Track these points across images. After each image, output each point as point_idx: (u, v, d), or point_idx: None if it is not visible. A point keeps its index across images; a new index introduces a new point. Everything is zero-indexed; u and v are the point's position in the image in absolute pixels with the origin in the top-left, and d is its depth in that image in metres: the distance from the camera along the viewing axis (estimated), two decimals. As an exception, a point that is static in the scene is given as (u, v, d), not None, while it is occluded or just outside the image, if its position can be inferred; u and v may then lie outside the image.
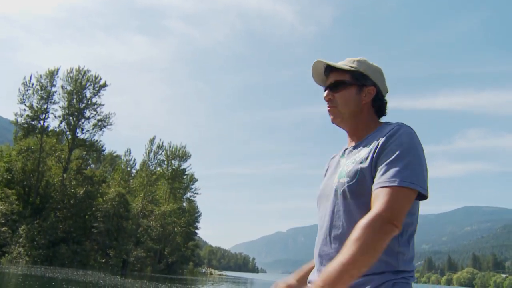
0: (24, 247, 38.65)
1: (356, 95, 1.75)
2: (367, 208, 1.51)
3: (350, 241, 1.43)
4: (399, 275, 1.55)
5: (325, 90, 1.82)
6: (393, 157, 1.54)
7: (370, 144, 1.65)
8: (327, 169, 1.89)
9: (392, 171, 1.51)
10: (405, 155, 1.54)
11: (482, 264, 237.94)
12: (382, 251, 1.44)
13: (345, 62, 1.79)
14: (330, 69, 1.81)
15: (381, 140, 1.60)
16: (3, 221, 38.46)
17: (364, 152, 1.64)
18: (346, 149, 1.79)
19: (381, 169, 1.54)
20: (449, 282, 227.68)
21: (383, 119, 1.82)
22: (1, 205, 38.68)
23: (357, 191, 1.58)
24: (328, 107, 1.79)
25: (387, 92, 1.83)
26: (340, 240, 1.58)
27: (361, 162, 1.61)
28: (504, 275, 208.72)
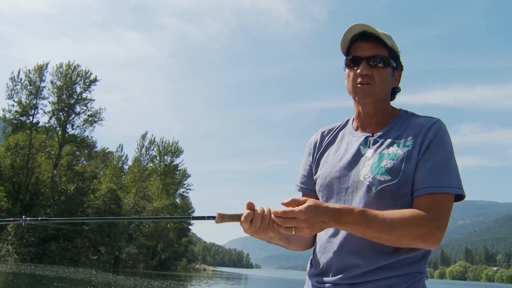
0: (13, 245, 38.21)
1: (390, 77, 1.62)
2: None
3: (390, 213, 1.39)
4: (423, 274, 1.52)
5: (355, 62, 1.60)
6: (439, 159, 1.46)
7: (406, 138, 1.53)
8: (324, 145, 1.74)
9: (441, 174, 1.45)
10: (450, 158, 1.48)
11: (474, 258, 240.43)
12: (397, 245, 1.42)
13: (382, 32, 1.58)
14: (365, 37, 1.59)
15: (423, 137, 1.50)
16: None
17: (402, 147, 1.52)
18: (368, 136, 1.62)
19: (427, 170, 1.46)
20: (442, 276, 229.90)
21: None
22: (-11, 203, 38.13)
23: (397, 192, 1.47)
24: (362, 82, 1.58)
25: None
26: (368, 244, 1.47)
27: (404, 161, 1.49)
28: (495, 268, 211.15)
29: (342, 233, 1.53)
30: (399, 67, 1.65)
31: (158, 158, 62.31)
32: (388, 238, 1.39)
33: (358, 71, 1.58)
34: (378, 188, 1.49)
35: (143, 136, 60.46)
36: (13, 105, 43.87)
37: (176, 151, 63.41)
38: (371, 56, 1.58)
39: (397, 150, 1.52)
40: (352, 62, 1.61)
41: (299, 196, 1.64)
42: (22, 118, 44.42)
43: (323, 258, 1.58)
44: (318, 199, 1.66)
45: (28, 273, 25.61)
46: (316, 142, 1.77)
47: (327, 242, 1.58)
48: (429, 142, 1.49)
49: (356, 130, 1.68)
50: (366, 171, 1.53)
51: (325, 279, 1.55)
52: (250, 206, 1.43)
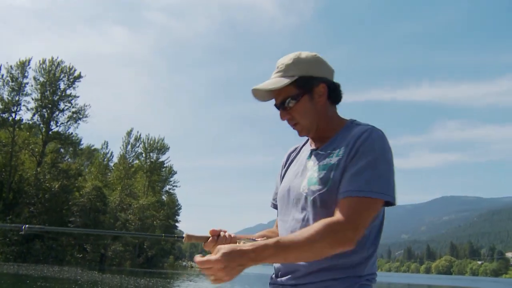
0: (-5, 244, 37.68)
1: (310, 102, 1.65)
2: None
3: (302, 232, 1.43)
4: (363, 278, 1.55)
5: (277, 109, 1.70)
6: (364, 163, 1.50)
7: (340, 148, 1.59)
8: (287, 164, 1.84)
9: (363, 179, 1.48)
10: (377, 162, 1.50)
11: (459, 252, 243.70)
12: (321, 258, 1.46)
13: (280, 73, 1.65)
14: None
15: (352, 145, 1.55)
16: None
17: (334, 157, 1.58)
18: (313, 150, 1.71)
19: (350, 175, 1.50)
20: (428, 270, 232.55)
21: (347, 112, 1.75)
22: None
23: (328, 200, 1.53)
24: (290, 125, 1.70)
25: (333, 71, 1.72)
26: None
27: (333, 170, 1.55)
28: (479, 262, 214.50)
29: None
30: (316, 83, 1.65)
31: (144, 155, 61.87)
32: (311, 255, 1.45)
33: (280, 117, 1.70)
34: (311, 198, 1.57)
35: (129, 133, 59.91)
36: (-5, 102, 43.25)
37: (162, 148, 63.03)
38: (281, 102, 1.66)
39: (330, 161, 1.59)
40: (277, 108, 1.70)
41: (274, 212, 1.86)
42: (4, 115, 43.84)
43: (278, 263, 1.68)
44: None
45: (11, 273, 25.31)
46: (284, 162, 1.88)
47: None
48: (356, 149, 1.53)
49: (310, 145, 1.76)
50: (304, 183, 1.62)
51: (276, 279, 1.68)
52: (214, 233, 1.66)
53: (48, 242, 41.09)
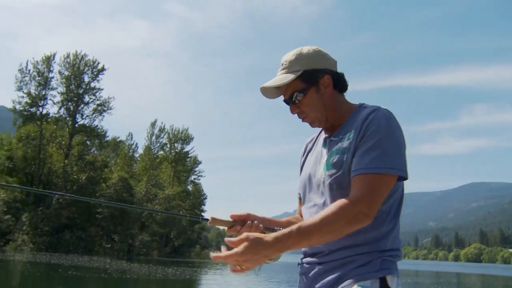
0: (28, 235, 38.64)
1: (316, 94, 1.72)
2: None
3: (320, 215, 1.50)
4: (386, 253, 1.61)
5: (286, 104, 1.78)
6: (371, 142, 1.57)
7: (350, 132, 1.66)
8: (305, 154, 1.92)
9: (371, 157, 1.55)
10: (384, 140, 1.56)
11: (489, 240, 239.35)
12: (343, 236, 1.52)
13: (286, 70, 1.74)
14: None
15: (360, 127, 1.62)
16: (5, 209, 38.27)
17: (346, 141, 1.65)
18: (326, 137, 1.77)
19: (359, 155, 1.57)
20: (456, 258, 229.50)
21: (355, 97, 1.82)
22: (3, 193, 38.46)
23: (344, 182, 1.60)
24: (301, 118, 1.77)
25: (336, 62, 1.78)
26: None
27: (345, 153, 1.62)
28: (511, 250, 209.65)
29: None
30: (320, 75, 1.72)
31: (168, 145, 62.16)
32: (332, 235, 1.51)
33: (290, 111, 1.78)
34: (328, 182, 1.64)
35: (153, 124, 60.24)
36: (23, 97, 44.18)
37: (186, 138, 63.19)
38: (289, 97, 1.74)
39: (342, 145, 1.66)
40: (286, 104, 1.79)
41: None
42: (32, 109, 44.65)
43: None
44: None
45: (44, 262, 25.88)
46: (302, 152, 1.96)
47: None
48: (365, 130, 1.60)
49: (325, 134, 1.82)
50: (321, 169, 1.70)
51: (303, 260, 1.75)
52: (234, 217, 1.76)
53: (77, 233, 41.86)
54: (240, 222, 1.76)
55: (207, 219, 1.74)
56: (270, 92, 1.80)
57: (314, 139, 1.93)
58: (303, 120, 1.78)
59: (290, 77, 1.70)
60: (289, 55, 1.76)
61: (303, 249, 1.74)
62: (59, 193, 1.78)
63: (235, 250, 1.44)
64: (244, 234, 1.47)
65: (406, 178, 1.61)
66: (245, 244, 1.43)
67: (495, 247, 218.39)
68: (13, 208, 39.62)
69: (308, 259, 1.72)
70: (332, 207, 1.51)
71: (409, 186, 1.69)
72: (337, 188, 1.62)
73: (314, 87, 1.72)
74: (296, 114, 1.78)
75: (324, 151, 1.75)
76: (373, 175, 1.53)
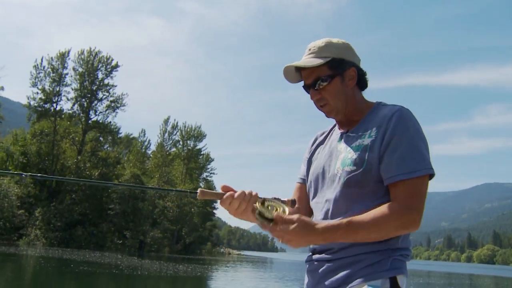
0: (40, 230, 38.99)
1: (341, 84, 1.71)
2: (370, 199, 1.59)
3: (370, 214, 1.52)
4: (396, 252, 1.60)
5: (306, 89, 1.75)
6: (405, 144, 1.56)
7: (371, 129, 1.65)
8: (316, 145, 1.89)
9: (410, 160, 1.54)
10: (415, 141, 1.57)
11: (503, 241, 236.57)
12: (387, 238, 1.54)
13: (313, 55, 1.71)
14: (303, 67, 1.72)
15: (385, 126, 1.60)
16: (19, 204, 38.65)
17: (367, 138, 1.63)
18: (343, 132, 1.76)
19: (396, 158, 1.56)
20: (469, 259, 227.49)
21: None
22: (17, 189, 38.84)
23: (362, 180, 1.59)
24: (320, 106, 1.74)
25: (360, 60, 1.78)
26: None
27: (367, 151, 1.61)
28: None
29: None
30: (347, 67, 1.71)
31: (181, 142, 62.31)
32: (378, 236, 1.52)
33: (310, 98, 1.74)
34: (345, 178, 1.62)
35: (166, 121, 60.48)
36: (37, 93, 44.49)
37: (199, 136, 63.27)
38: (312, 82, 1.71)
39: (362, 142, 1.64)
40: (305, 90, 1.77)
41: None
42: (46, 106, 44.98)
43: None
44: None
45: (56, 257, 26.07)
46: (310, 144, 1.94)
47: None
48: (393, 130, 1.58)
49: (339, 129, 1.81)
50: (338, 164, 1.67)
51: (311, 257, 1.73)
52: (225, 189, 1.63)
53: (89, 229, 42.12)
54: (232, 193, 1.60)
55: (196, 192, 1.62)
56: (292, 75, 1.78)
57: (326, 133, 1.92)
58: (320, 108, 1.75)
59: (319, 61, 1.69)
60: (318, 42, 1.74)
61: (311, 246, 1.73)
62: (27, 174, 1.77)
63: (285, 227, 1.48)
64: (297, 215, 1.50)
65: (433, 176, 1.62)
66: (296, 224, 1.48)
67: (508, 248, 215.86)
68: (26, 203, 39.99)
69: (317, 256, 1.71)
70: (384, 209, 1.52)
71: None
72: (354, 185, 1.61)
73: (340, 77, 1.71)
74: (314, 102, 1.76)
75: (341, 146, 1.73)
76: (417, 179, 1.54)
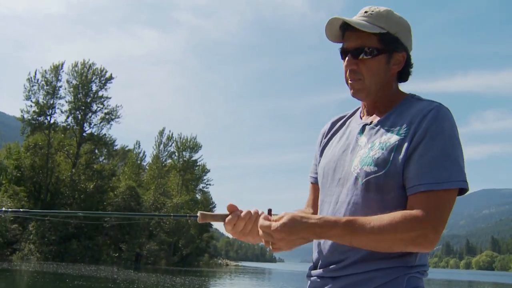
0: (34, 244, 38.57)
1: (385, 64, 1.47)
2: (392, 206, 1.34)
3: (377, 219, 1.29)
4: (414, 270, 1.38)
5: (343, 53, 1.51)
6: (438, 149, 1.32)
7: (401, 126, 1.40)
8: (330, 135, 1.65)
9: (441, 168, 1.31)
10: (450, 147, 1.34)
11: (501, 247, 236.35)
12: (389, 251, 1.33)
13: (369, 19, 1.45)
14: (350, 27, 1.46)
15: (417, 124, 1.36)
16: (12, 218, 38.23)
17: (394, 136, 1.39)
18: (366, 124, 1.51)
19: (426, 164, 1.32)
20: (468, 266, 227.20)
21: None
22: (11, 202, 38.45)
23: (384, 184, 1.36)
24: (351, 79, 1.48)
25: (412, 50, 1.54)
26: None
27: (393, 151, 1.37)
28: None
29: None
30: (399, 49, 1.47)
31: (176, 154, 62.28)
32: (377, 246, 1.30)
33: (345, 64, 1.50)
34: (364, 180, 1.38)
35: (161, 133, 60.40)
36: (31, 106, 44.20)
37: (195, 147, 63.25)
38: (354, 49, 1.46)
39: (389, 139, 1.39)
40: (341, 54, 1.52)
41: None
42: (40, 118, 44.71)
43: (315, 253, 1.51)
44: None
45: (50, 272, 25.75)
46: (325, 131, 1.69)
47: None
48: (425, 131, 1.34)
49: (361, 118, 1.57)
50: (356, 161, 1.43)
51: (312, 272, 1.50)
52: (231, 208, 1.48)
53: (84, 242, 41.73)
54: (236, 214, 1.48)
55: (196, 216, 1.50)
56: (335, 31, 1.51)
57: (344, 119, 1.66)
58: (350, 81, 1.49)
59: (374, 28, 1.43)
60: (379, 8, 1.48)
61: (314, 257, 1.52)
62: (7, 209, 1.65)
63: (273, 223, 1.31)
64: (284, 212, 1.34)
65: (467, 191, 1.37)
66: (282, 221, 1.30)
67: (507, 254, 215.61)
68: (20, 217, 39.56)
69: (320, 271, 1.46)
70: (394, 217, 1.28)
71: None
72: (375, 189, 1.37)
73: (387, 55, 1.46)
74: (348, 71, 1.50)
75: (362, 140, 1.48)
76: (443, 192, 1.30)
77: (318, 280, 1.46)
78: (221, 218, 1.49)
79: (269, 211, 1.43)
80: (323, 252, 1.46)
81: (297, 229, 1.29)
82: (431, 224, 1.27)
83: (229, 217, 1.47)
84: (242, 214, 1.47)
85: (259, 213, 1.48)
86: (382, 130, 1.44)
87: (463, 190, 1.36)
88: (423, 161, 1.32)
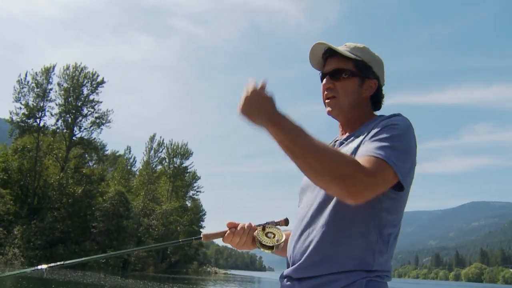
0: (19, 248, 37.92)
1: (358, 86, 1.67)
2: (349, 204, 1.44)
3: (328, 147, 1.39)
4: (373, 273, 1.47)
5: (323, 77, 1.72)
6: (384, 135, 1.47)
7: (362, 135, 1.58)
8: None
9: (380, 146, 1.44)
10: (399, 139, 1.47)
11: (490, 259, 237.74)
12: (318, 179, 1.38)
13: (347, 48, 1.69)
14: (330, 54, 1.70)
15: (375, 126, 1.55)
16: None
17: (355, 142, 1.57)
18: (337, 140, 1.72)
19: (373, 140, 1.47)
20: (457, 278, 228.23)
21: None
22: (-4, 206, 37.92)
23: None
24: (327, 97, 1.70)
25: (384, 85, 1.75)
26: (317, 234, 1.51)
27: (355, 150, 1.53)
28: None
29: (299, 232, 1.57)
30: (371, 76, 1.67)
31: (167, 160, 61.98)
32: (312, 162, 1.34)
33: (323, 84, 1.69)
34: None
35: (152, 138, 60.07)
36: (20, 108, 43.58)
37: (186, 153, 63.04)
38: (333, 70, 1.67)
39: (353, 145, 1.56)
40: (321, 77, 1.72)
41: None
42: (29, 121, 44.16)
43: (288, 255, 1.64)
44: None
45: (35, 277, 25.23)
46: None
47: (290, 240, 1.64)
48: (379, 127, 1.51)
49: (339, 137, 1.75)
50: None
51: (284, 272, 1.61)
52: (230, 225, 1.79)
53: (71, 247, 41.18)
54: (232, 230, 1.80)
55: (200, 237, 1.78)
56: (317, 58, 1.72)
57: (334, 141, 1.81)
58: (326, 99, 1.69)
59: (350, 55, 1.64)
60: (356, 44, 1.71)
61: (288, 254, 1.62)
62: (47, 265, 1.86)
63: (256, 85, 1.43)
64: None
65: (403, 187, 1.45)
66: (264, 91, 1.42)
67: (496, 266, 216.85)
68: (5, 221, 39.00)
69: (288, 271, 1.57)
70: (344, 153, 1.42)
71: (409, 205, 1.61)
72: None
73: (360, 79, 1.66)
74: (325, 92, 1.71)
75: None
76: (381, 160, 1.39)
77: (287, 283, 1.56)
78: (221, 235, 1.78)
79: (263, 228, 1.77)
80: (290, 252, 1.59)
81: (261, 96, 1.40)
82: (366, 176, 1.34)
83: (227, 233, 1.78)
84: (236, 231, 1.77)
85: (252, 226, 1.80)
86: (348, 141, 1.62)
87: (400, 187, 1.44)
88: (372, 139, 1.47)
